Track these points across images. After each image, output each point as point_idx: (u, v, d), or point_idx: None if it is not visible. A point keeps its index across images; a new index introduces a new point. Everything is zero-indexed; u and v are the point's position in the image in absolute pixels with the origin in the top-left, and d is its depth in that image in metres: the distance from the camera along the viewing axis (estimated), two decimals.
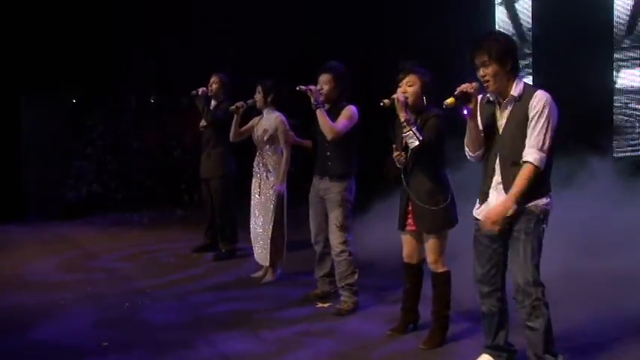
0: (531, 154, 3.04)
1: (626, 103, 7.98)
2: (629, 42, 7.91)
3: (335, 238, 4.55)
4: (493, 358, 3.46)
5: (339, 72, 4.57)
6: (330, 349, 3.93)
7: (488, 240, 3.28)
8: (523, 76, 3.17)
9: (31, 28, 8.42)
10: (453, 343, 3.91)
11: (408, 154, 3.81)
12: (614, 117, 8.04)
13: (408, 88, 3.82)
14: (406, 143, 3.76)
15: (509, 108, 3.15)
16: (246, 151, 5.80)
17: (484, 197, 3.29)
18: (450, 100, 3.16)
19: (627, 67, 7.95)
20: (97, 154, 9.31)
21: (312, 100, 4.42)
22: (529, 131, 3.06)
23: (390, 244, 5.40)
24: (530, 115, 3.06)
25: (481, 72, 3.12)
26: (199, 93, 6.21)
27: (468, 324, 4.15)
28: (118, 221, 8.63)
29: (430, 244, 3.87)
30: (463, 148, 3.31)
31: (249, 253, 5.91)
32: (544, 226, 3.16)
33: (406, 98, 3.77)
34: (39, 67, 8.57)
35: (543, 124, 3.04)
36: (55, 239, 7.51)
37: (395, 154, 3.83)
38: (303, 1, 8.33)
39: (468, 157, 3.34)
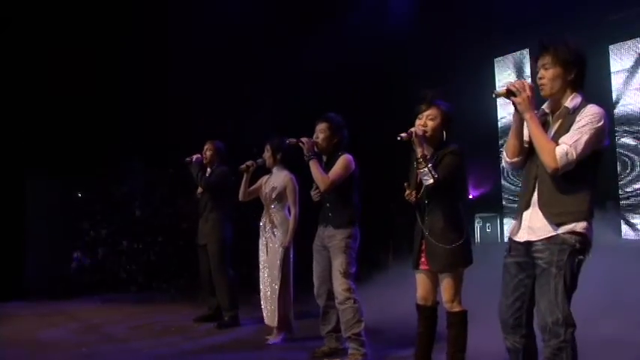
0: (559, 146, 2.79)
1: None
2: None
3: (339, 285, 4.37)
4: None
5: (336, 122, 4.58)
6: None
7: (516, 268, 3.02)
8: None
9: (37, 112, 8.62)
10: None
11: (422, 191, 3.67)
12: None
13: (428, 121, 3.67)
14: (421, 179, 3.64)
15: (560, 120, 2.94)
16: (252, 211, 5.76)
17: (519, 215, 3.04)
18: (501, 90, 2.96)
19: None
20: (97, 234, 9.24)
21: (305, 151, 4.40)
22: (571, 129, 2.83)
23: (395, 313, 5.27)
24: (576, 120, 2.85)
25: (540, 74, 2.96)
26: (193, 160, 6.25)
27: None
28: (119, 299, 8.44)
29: (445, 283, 3.67)
30: None
31: (250, 320, 5.76)
32: (581, 257, 2.86)
33: (425, 132, 3.64)
34: (43, 150, 8.71)
35: (583, 127, 2.80)
36: (54, 313, 7.29)
37: (406, 192, 3.70)
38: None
39: (504, 164, 3.15)
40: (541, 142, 2.86)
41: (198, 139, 6.51)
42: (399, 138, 3.60)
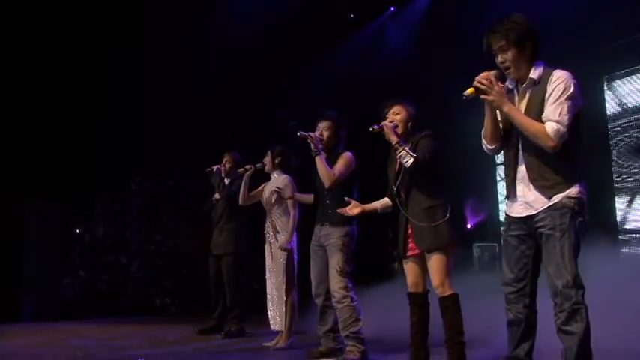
0: (547, 124, 2.88)
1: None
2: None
3: (335, 283, 4.38)
4: None
5: (338, 119, 4.71)
6: None
7: (517, 241, 3.08)
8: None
9: (35, 136, 8.67)
10: None
11: (399, 179, 3.82)
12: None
13: (395, 117, 3.91)
14: (401, 166, 3.78)
15: (529, 93, 3.03)
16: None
17: (510, 192, 3.11)
18: (469, 90, 3.04)
19: None
20: (94, 258, 9.21)
21: (312, 147, 4.47)
22: (546, 106, 2.90)
23: (391, 323, 5.23)
24: (548, 90, 2.93)
25: (500, 58, 3.04)
26: (214, 170, 6.32)
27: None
28: (116, 320, 8.32)
29: (433, 265, 3.70)
30: None
31: (257, 333, 5.74)
32: (580, 219, 2.92)
33: (396, 126, 3.85)
34: (41, 174, 8.72)
35: (560, 98, 2.88)
36: (49, 330, 7.17)
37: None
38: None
39: (486, 150, 3.23)
40: (531, 128, 2.94)
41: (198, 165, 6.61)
42: (371, 129, 3.84)
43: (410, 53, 9.34)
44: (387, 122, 3.85)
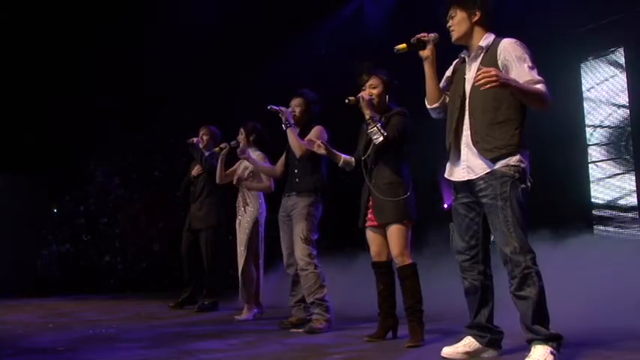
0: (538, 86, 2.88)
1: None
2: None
3: (300, 250, 4.45)
4: (474, 338, 3.21)
5: (310, 97, 4.79)
6: (302, 344, 3.74)
7: (465, 209, 3.14)
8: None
9: (11, 110, 8.60)
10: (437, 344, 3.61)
11: (369, 151, 3.87)
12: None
13: (372, 90, 3.93)
14: (370, 140, 3.84)
15: (478, 60, 3.07)
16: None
17: (453, 155, 3.15)
18: (401, 46, 3.16)
19: None
20: (70, 233, 9.19)
21: (283, 120, 4.54)
22: (517, 73, 2.90)
23: (361, 297, 5.29)
24: (502, 58, 2.95)
25: (449, 23, 3.11)
26: (195, 141, 6.19)
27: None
28: (87, 297, 8.28)
29: (392, 236, 3.79)
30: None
31: (231, 307, 5.82)
32: (523, 186, 2.95)
33: (372, 99, 3.88)
34: (15, 147, 8.68)
35: (527, 60, 2.93)
36: (23, 304, 7.16)
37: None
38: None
39: (431, 113, 3.33)
40: (530, 88, 2.89)
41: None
42: (346, 101, 3.88)
43: (388, 31, 9.32)
44: (363, 94, 3.86)
